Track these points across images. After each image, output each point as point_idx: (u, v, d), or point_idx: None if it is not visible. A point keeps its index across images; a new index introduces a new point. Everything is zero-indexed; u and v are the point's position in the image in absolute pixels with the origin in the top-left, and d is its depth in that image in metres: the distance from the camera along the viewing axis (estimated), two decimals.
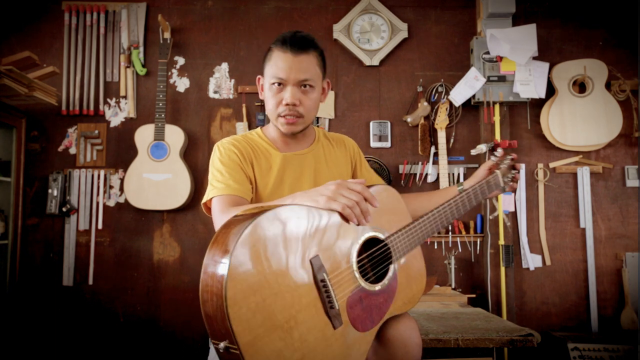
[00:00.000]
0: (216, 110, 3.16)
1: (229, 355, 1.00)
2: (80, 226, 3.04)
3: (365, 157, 1.93)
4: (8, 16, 3.12)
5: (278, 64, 1.41)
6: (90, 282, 3.03)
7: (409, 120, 3.11)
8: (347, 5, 3.19)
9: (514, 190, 1.69)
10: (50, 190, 3.00)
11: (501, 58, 3.03)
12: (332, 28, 3.16)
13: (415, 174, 3.12)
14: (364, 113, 3.18)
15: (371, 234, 1.27)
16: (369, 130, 3.16)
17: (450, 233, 3.08)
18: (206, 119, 3.16)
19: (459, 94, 3.08)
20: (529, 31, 3.01)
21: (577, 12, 3.22)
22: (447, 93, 3.14)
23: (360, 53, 3.15)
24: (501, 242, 3.02)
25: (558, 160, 3.14)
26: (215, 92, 3.17)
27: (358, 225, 1.20)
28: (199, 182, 3.08)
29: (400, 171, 3.11)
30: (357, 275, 1.21)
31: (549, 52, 3.17)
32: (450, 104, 3.13)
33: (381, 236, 1.29)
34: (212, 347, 1.35)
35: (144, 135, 2.98)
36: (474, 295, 2.90)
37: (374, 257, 1.29)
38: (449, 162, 3.09)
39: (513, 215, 3.10)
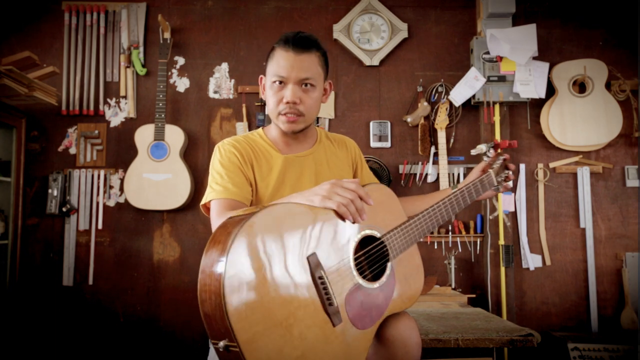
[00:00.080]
0: (216, 110, 3.17)
1: (229, 354, 1.00)
2: (80, 226, 3.04)
3: (365, 157, 1.94)
4: (8, 16, 3.12)
5: (280, 62, 1.41)
6: (90, 282, 3.03)
7: (409, 120, 3.11)
8: (347, 5, 3.19)
9: (508, 190, 1.70)
10: (50, 190, 3.00)
11: (501, 58, 3.03)
12: (332, 28, 3.16)
13: (415, 174, 3.12)
14: (364, 113, 3.18)
15: (367, 232, 1.27)
16: (369, 130, 3.16)
17: (450, 233, 3.08)
18: (206, 119, 3.16)
19: (459, 94, 3.08)
20: (529, 31, 3.01)
21: (577, 12, 3.22)
22: (447, 93, 3.14)
23: (360, 53, 3.16)
24: (501, 242, 3.02)
25: (558, 160, 3.14)
26: (215, 92, 3.17)
27: (354, 223, 1.21)
28: (199, 182, 3.08)
29: (400, 171, 3.11)
30: (355, 273, 1.21)
31: (549, 52, 3.17)
32: (450, 104, 3.13)
33: (377, 234, 1.30)
34: (211, 347, 1.35)
35: (144, 135, 2.98)
36: (474, 295, 2.90)
37: (371, 255, 1.30)
38: (449, 162, 3.09)
39: (513, 215, 3.10)
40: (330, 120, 3.17)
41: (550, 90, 3.09)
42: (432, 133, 3.14)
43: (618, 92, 3.10)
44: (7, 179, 2.87)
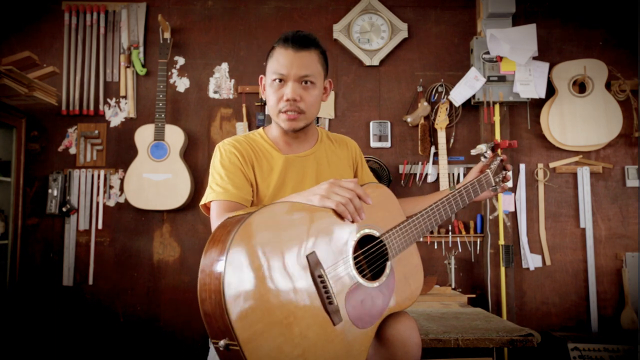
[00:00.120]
0: (216, 110, 3.17)
1: (229, 353, 1.00)
2: (80, 226, 3.04)
3: (365, 157, 1.94)
4: (8, 16, 3.12)
5: (279, 60, 1.41)
6: (90, 282, 3.03)
7: (409, 120, 3.11)
8: (347, 5, 3.20)
9: (506, 190, 1.72)
10: (50, 190, 3.00)
11: (501, 58, 3.03)
12: (332, 28, 3.16)
13: (415, 174, 3.12)
14: (364, 113, 3.19)
15: (366, 231, 1.27)
16: (369, 130, 3.16)
17: (450, 233, 3.08)
18: (206, 119, 3.16)
19: (459, 94, 3.08)
20: (529, 31, 3.01)
21: (577, 12, 3.22)
22: (447, 93, 3.14)
23: (360, 53, 3.16)
24: (501, 242, 3.02)
25: (558, 160, 3.14)
26: (215, 92, 3.17)
27: (352, 222, 1.21)
28: (199, 182, 3.08)
29: (400, 171, 3.11)
30: (354, 272, 1.21)
31: (549, 52, 3.17)
32: (450, 104, 3.13)
33: (376, 233, 1.30)
34: (212, 347, 1.35)
35: (144, 135, 2.98)
36: (474, 295, 2.90)
37: (370, 254, 1.30)
38: (449, 162, 3.09)
39: (513, 215, 3.10)
40: (330, 120, 3.17)
41: (550, 90, 3.09)
42: (432, 133, 3.14)
43: (618, 92, 3.10)
44: (7, 179, 2.87)
